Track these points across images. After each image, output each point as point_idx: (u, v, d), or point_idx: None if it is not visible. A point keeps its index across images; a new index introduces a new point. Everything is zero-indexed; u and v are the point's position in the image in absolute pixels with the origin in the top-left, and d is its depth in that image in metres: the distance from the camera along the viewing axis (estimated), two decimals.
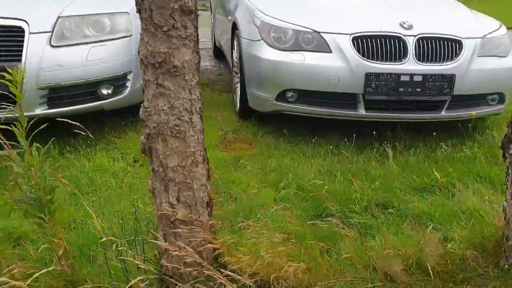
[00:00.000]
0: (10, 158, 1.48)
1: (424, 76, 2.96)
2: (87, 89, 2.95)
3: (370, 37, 2.94)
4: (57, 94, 2.84)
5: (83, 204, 1.96)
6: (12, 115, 2.67)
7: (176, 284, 1.42)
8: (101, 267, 1.56)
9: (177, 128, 1.32)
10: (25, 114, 2.74)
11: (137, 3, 1.22)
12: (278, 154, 3.06)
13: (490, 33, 3.22)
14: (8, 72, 1.62)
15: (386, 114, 3.11)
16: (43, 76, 2.72)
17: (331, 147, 3.04)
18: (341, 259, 1.79)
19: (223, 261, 1.50)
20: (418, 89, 2.99)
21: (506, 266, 1.64)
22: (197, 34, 1.29)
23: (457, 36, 3.02)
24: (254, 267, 1.48)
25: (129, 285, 1.33)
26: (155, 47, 1.22)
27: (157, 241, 1.40)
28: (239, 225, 1.87)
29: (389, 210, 2.42)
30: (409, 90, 2.99)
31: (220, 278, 1.34)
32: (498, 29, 3.33)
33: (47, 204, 1.43)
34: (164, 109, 1.30)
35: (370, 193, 2.46)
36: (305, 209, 2.39)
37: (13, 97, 1.64)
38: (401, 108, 3.12)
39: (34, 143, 1.52)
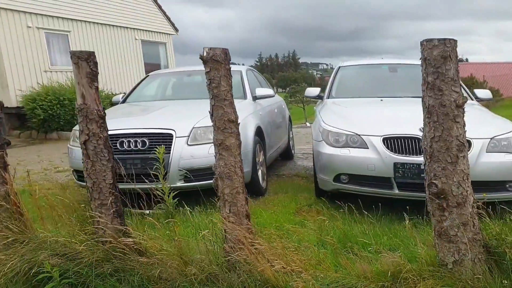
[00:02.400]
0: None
1: None
2: (209, 171, 4.58)
3: (396, 137, 4.16)
4: (190, 174, 4.53)
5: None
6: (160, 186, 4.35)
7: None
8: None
9: (228, 174, 2.77)
10: (170, 185, 4.44)
11: (210, 117, 2.78)
12: (335, 219, 4.26)
13: (500, 134, 4.17)
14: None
15: (416, 193, 4.16)
16: (182, 163, 4.46)
17: (376, 217, 4.16)
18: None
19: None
20: None
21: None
22: (238, 131, 2.78)
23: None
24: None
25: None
26: (218, 136, 2.75)
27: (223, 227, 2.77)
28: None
29: (397, 252, 3.45)
30: None
31: (246, 246, 2.65)
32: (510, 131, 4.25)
33: (170, 214, 2.93)
34: (222, 165, 2.78)
35: (386, 241, 3.55)
36: (333, 247, 3.54)
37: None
38: None
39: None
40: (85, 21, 16.01)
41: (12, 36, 13.41)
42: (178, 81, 6.61)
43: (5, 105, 13.52)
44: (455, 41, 2.59)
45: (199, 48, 2.81)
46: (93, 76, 2.59)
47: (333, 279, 2.71)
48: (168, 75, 6.95)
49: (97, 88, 2.63)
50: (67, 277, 2.57)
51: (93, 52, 2.61)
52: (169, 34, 21.26)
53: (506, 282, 2.44)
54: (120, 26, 17.76)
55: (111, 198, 2.75)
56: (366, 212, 4.18)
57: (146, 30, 19.43)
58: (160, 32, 20.47)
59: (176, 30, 21.76)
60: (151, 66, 20.14)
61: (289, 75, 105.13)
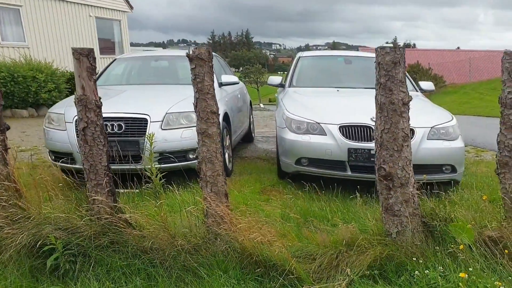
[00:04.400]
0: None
1: None
2: (181, 154, 4.98)
3: (350, 126, 4.70)
4: (164, 156, 4.90)
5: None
6: (139, 167, 4.64)
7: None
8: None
9: (210, 159, 3.18)
10: (146, 167, 4.77)
11: (194, 109, 3.17)
12: (297, 197, 4.77)
13: (440, 124, 4.79)
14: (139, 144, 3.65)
15: (366, 175, 4.72)
16: (156, 146, 4.79)
17: (331, 195, 4.70)
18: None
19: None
20: None
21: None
22: (219, 121, 3.19)
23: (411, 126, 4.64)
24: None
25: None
26: (201, 126, 3.14)
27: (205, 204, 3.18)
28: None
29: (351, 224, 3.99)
30: None
31: (227, 220, 3.09)
32: (449, 121, 4.89)
33: (158, 189, 3.31)
34: (204, 151, 3.18)
35: (341, 216, 4.08)
36: (297, 221, 4.04)
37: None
38: None
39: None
40: None
41: None
42: (146, 66, 6.87)
43: None
44: (404, 49, 3.10)
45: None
46: (92, 70, 2.91)
47: (298, 247, 3.21)
48: (136, 59, 7.18)
49: (95, 81, 2.96)
50: (69, 249, 2.92)
51: (93, 49, 2.92)
52: (124, 11, 21.00)
53: (437, 248, 3.02)
54: (74, 2, 17.42)
55: (106, 179, 3.11)
56: (323, 191, 4.73)
57: (101, 7, 19.12)
58: (115, 10, 20.18)
59: (131, 7, 21.51)
60: (105, 43, 19.94)
61: (242, 54, 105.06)
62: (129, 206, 3.36)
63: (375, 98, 3.18)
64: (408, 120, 3.14)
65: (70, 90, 13.77)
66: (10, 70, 12.84)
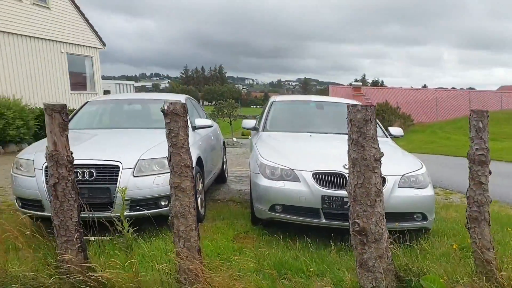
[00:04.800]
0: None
1: None
2: (153, 201, 4.91)
3: (323, 173, 4.73)
4: (135, 203, 4.81)
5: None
6: (109, 215, 4.58)
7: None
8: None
9: (183, 214, 3.14)
10: (117, 214, 4.69)
11: (168, 162, 3.14)
12: (270, 246, 4.73)
13: (410, 172, 4.88)
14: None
15: (340, 222, 4.73)
16: (128, 193, 4.71)
17: (306, 243, 4.66)
18: None
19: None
20: None
21: None
22: (193, 174, 3.17)
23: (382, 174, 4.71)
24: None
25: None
26: (174, 180, 3.11)
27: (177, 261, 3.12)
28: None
29: (324, 277, 3.96)
30: None
31: (200, 278, 3.03)
32: (419, 169, 4.99)
33: (129, 244, 3.23)
34: (177, 205, 3.14)
35: (315, 267, 4.05)
36: (271, 274, 3.99)
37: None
38: None
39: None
40: (8, 32, 15.44)
41: None
42: (118, 110, 6.81)
43: None
44: (374, 107, 3.18)
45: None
46: (64, 125, 2.87)
47: None
48: (108, 102, 7.12)
49: (67, 136, 2.91)
50: None
51: (65, 105, 2.89)
52: (96, 48, 20.98)
53: None
54: (45, 39, 17.30)
55: (76, 235, 3.02)
56: (298, 240, 4.71)
57: (72, 44, 19.06)
58: (87, 46, 20.15)
59: (104, 44, 21.52)
60: (77, 78, 19.79)
61: (216, 88, 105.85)
62: (99, 259, 3.27)
63: (348, 153, 3.22)
64: (380, 175, 3.18)
65: (39, 126, 13.52)
66: None
